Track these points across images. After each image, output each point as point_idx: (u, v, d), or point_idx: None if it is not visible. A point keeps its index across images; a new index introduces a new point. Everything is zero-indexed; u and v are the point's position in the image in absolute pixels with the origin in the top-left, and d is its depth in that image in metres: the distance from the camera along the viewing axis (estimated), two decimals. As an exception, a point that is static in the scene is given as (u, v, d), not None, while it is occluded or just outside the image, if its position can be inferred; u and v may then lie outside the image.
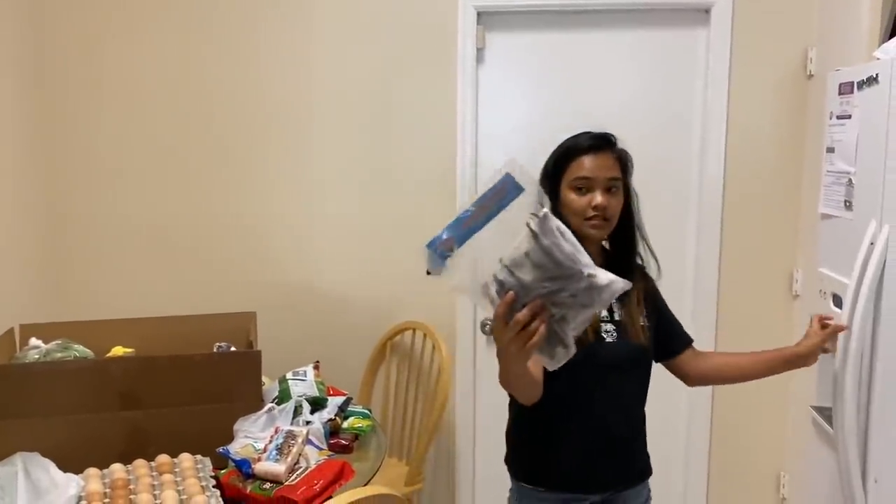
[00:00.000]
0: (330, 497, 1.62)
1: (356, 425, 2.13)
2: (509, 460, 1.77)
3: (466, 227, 1.29)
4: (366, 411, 2.24)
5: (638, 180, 2.69)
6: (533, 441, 1.68)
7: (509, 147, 2.80)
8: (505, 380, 1.43)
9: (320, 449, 1.93)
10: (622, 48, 2.72)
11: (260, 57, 2.85)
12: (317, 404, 2.11)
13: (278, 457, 1.78)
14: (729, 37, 2.60)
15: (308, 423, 2.00)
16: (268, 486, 1.72)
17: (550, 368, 1.27)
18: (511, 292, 1.20)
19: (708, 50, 2.63)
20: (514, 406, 1.74)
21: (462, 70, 2.75)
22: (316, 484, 1.72)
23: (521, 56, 2.78)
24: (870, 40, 2.23)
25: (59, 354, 2.03)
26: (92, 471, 1.72)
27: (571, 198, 1.61)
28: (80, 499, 1.60)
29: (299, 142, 2.87)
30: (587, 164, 1.61)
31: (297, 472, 1.77)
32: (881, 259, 1.68)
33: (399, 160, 2.83)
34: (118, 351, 2.16)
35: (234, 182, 2.90)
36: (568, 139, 1.67)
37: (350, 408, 2.22)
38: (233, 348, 2.12)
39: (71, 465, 1.71)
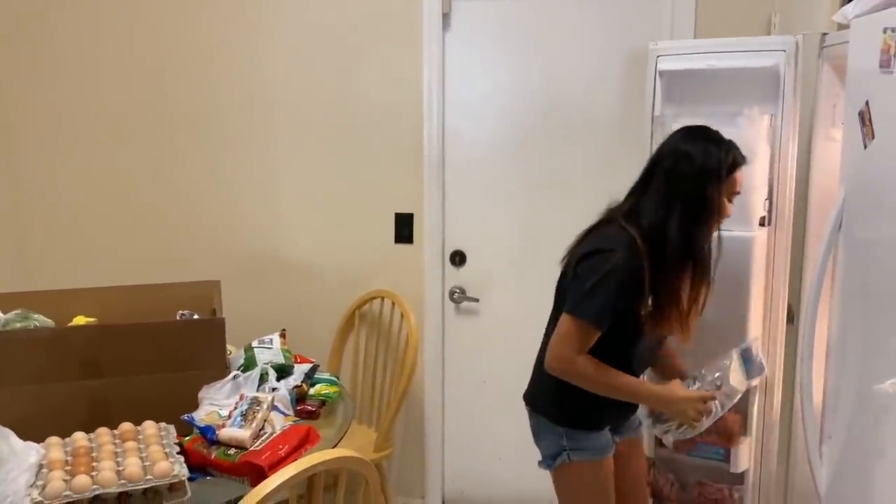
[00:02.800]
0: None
1: (323, 392, 2.14)
2: (555, 415, 1.92)
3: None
4: (333, 378, 2.25)
5: (607, 144, 2.73)
6: (592, 404, 1.85)
7: (477, 114, 2.79)
8: (610, 390, 1.82)
9: (286, 415, 1.94)
10: (589, 13, 2.70)
11: (221, 22, 2.80)
12: (283, 371, 2.11)
13: (243, 423, 1.78)
14: (694, 2, 2.60)
15: (274, 389, 2.01)
16: (232, 452, 1.72)
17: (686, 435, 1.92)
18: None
19: (673, 16, 2.63)
20: None
21: (428, 36, 2.73)
22: (281, 449, 1.73)
23: (489, 21, 2.75)
24: (831, 5, 2.25)
25: (18, 324, 2.01)
26: (53, 439, 1.70)
27: (727, 205, 1.82)
28: (40, 467, 1.59)
29: (262, 109, 2.83)
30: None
31: (262, 438, 1.78)
32: (837, 220, 1.70)
33: (365, 128, 2.81)
34: (80, 320, 2.13)
35: (198, 150, 2.87)
36: (722, 146, 1.80)
37: (317, 375, 2.22)
38: (196, 316, 2.11)
39: (33, 434, 1.69)
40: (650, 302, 1.77)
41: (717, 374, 1.89)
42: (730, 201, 1.82)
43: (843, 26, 1.92)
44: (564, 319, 1.79)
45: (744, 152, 1.85)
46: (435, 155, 2.79)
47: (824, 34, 2.09)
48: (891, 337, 1.46)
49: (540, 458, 1.97)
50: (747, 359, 1.96)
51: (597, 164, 2.75)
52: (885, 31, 1.52)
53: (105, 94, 2.85)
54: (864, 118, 1.62)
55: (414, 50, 2.75)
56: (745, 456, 2.11)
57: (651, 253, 1.74)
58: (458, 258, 2.89)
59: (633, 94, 2.56)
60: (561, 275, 1.91)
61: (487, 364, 2.93)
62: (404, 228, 2.85)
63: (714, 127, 1.99)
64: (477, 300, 2.89)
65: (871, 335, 1.56)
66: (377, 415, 2.84)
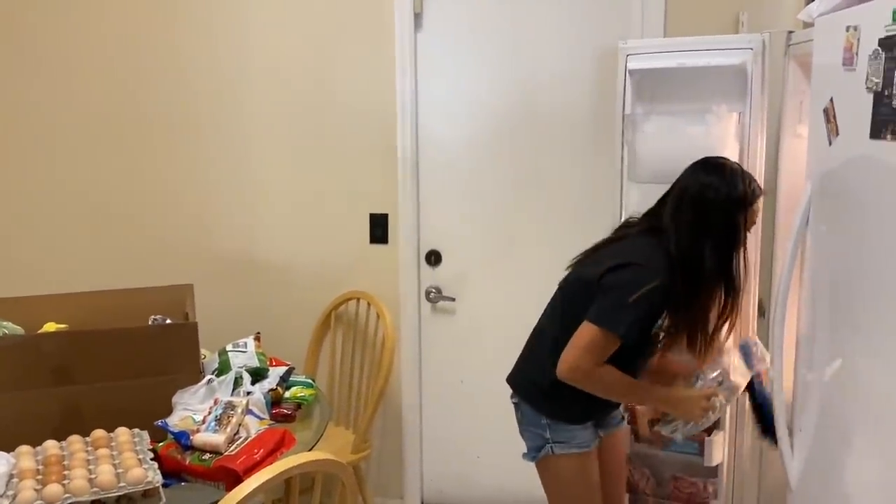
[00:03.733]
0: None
1: (299, 395, 2.13)
2: (541, 404, 1.93)
3: None
4: (309, 381, 2.24)
5: (580, 142, 2.74)
6: (581, 400, 1.86)
7: (451, 113, 2.80)
8: (621, 396, 1.92)
9: (261, 419, 1.92)
10: (561, 12, 2.70)
11: (192, 23, 2.78)
12: (258, 375, 2.10)
13: (217, 428, 1.77)
14: (663, 1, 2.62)
15: (249, 393, 2.00)
16: (207, 457, 1.71)
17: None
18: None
19: (643, 15, 2.65)
20: None
21: (400, 36, 2.72)
22: (256, 453, 1.73)
23: (461, 21, 2.75)
24: (797, 3, 2.28)
25: (-13, 332, 1.98)
26: (24, 448, 1.68)
27: (748, 236, 1.85)
28: (11, 476, 1.57)
29: (234, 110, 2.82)
30: None
31: (238, 442, 1.77)
32: (804, 215, 1.73)
33: (338, 128, 2.80)
34: (50, 327, 2.10)
35: (170, 152, 2.84)
36: (745, 177, 1.83)
37: (293, 378, 2.21)
38: (169, 321, 2.09)
39: (3, 444, 1.67)
40: (671, 320, 1.83)
41: (718, 372, 1.92)
42: (748, 231, 1.84)
43: (808, 24, 1.95)
44: (589, 329, 1.77)
45: (712, 149, 1.88)
46: (409, 155, 2.79)
47: (790, 32, 2.12)
48: (858, 330, 1.49)
49: (525, 450, 1.98)
50: (746, 353, 1.99)
51: (570, 163, 2.76)
52: (847, 29, 1.54)
53: (76, 95, 2.81)
54: (829, 115, 1.65)
55: (386, 50, 2.74)
56: (718, 450, 2.13)
57: (682, 277, 1.78)
58: (434, 258, 2.89)
59: (606, 92, 2.58)
60: (573, 277, 1.92)
61: (465, 363, 2.93)
62: (379, 229, 2.85)
63: (683, 124, 2.02)
64: (453, 299, 2.90)
65: (838, 328, 1.58)
66: (354, 416, 2.84)
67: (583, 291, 1.83)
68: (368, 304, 2.82)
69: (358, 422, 2.77)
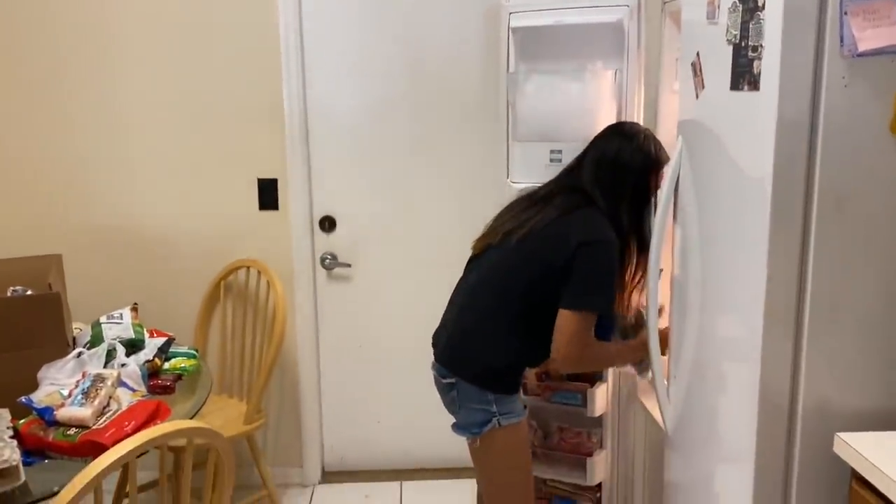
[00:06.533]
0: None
1: (180, 366, 2.06)
2: (489, 381, 1.86)
3: None
4: (191, 351, 2.17)
5: (470, 102, 2.73)
6: (520, 365, 1.91)
7: (339, 74, 2.73)
8: (613, 361, 2.03)
9: (135, 391, 1.84)
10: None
11: (57, -22, 2.60)
12: (133, 346, 2.01)
13: (84, 401, 1.69)
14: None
15: (123, 365, 1.91)
16: (73, 432, 1.63)
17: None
18: None
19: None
20: (527, 351, 1.89)
21: (283, -8, 2.63)
22: (127, 425, 1.66)
23: (346, -22, 2.68)
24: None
25: None
26: None
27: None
28: None
29: (106, 69, 2.66)
30: None
31: (107, 415, 1.69)
32: (675, 168, 1.77)
33: (220, 91, 2.68)
34: None
35: (36, 115, 2.67)
36: (655, 142, 1.92)
37: (174, 349, 2.14)
38: (30, 292, 1.97)
39: None
40: None
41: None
42: (654, 194, 1.91)
43: (682, -18, 1.98)
44: (569, 317, 1.78)
45: (590, 107, 1.90)
46: (297, 117, 2.71)
47: (665, -10, 2.15)
48: (726, 275, 1.54)
49: (457, 425, 1.91)
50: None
51: (462, 123, 2.76)
52: (710, -18, 1.57)
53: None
54: (696, 69, 1.68)
55: (268, 7, 2.64)
56: (601, 400, 2.18)
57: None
58: (328, 223, 2.84)
59: (494, 52, 2.56)
60: (521, 253, 1.86)
61: (363, 328, 2.91)
62: (268, 194, 2.77)
63: (562, 82, 2.02)
64: (349, 265, 2.86)
65: (709, 275, 1.63)
66: (248, 387, 2.77)
67: (547, 272, 1.82)
68: (259, 273, 2.74)
69: (251, 392, 2.70)
